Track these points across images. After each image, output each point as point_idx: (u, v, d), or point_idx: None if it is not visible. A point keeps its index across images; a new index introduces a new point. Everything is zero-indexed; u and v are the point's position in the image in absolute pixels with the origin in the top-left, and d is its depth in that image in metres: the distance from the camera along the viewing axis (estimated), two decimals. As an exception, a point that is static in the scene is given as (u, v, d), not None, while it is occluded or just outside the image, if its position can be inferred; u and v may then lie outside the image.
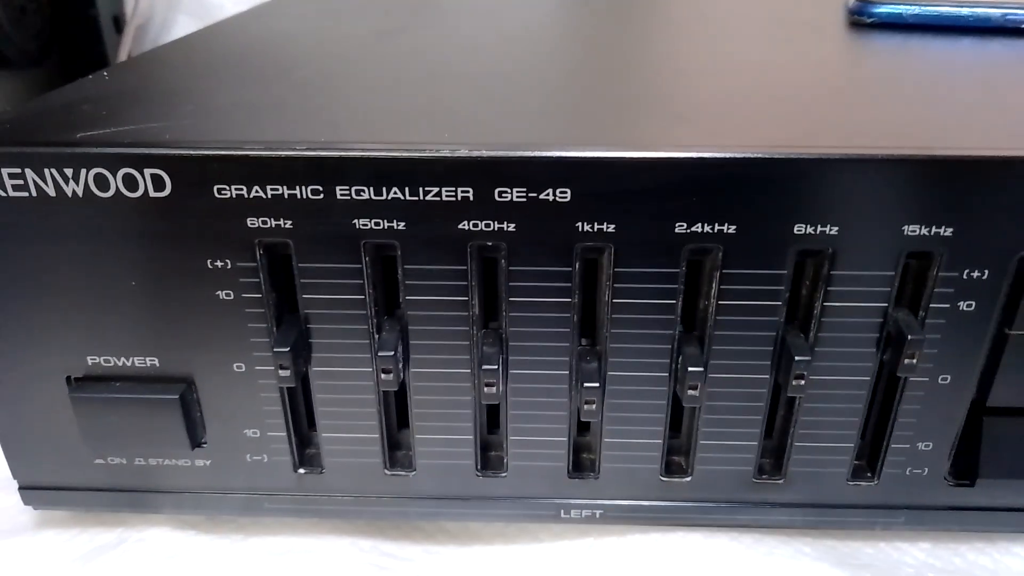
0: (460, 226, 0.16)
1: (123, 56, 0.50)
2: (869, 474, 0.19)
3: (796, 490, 0.19)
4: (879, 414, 0.18)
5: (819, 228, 0.15)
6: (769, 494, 0.19)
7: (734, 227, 0.16)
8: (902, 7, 0.29)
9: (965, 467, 0.18)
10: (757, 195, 0.15)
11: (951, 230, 0.15)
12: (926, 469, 0.18)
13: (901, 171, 0.15)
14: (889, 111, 0.18)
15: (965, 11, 0.28)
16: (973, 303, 0.16)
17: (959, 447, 0.18)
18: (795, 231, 0.15)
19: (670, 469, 0.19)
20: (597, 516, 0.19)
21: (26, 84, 0.48)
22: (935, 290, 0.16)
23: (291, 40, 0.26)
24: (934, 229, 0.15)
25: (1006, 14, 0.28)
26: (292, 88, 0.20)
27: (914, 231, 0.16)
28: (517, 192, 0.15)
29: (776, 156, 0.15)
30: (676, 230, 0.16)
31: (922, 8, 0.29)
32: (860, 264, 0.16)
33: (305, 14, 0.31)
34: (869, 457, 0.19)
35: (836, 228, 0.15)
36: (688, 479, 0.19)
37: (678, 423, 0.19)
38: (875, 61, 0.25)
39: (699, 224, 0.16)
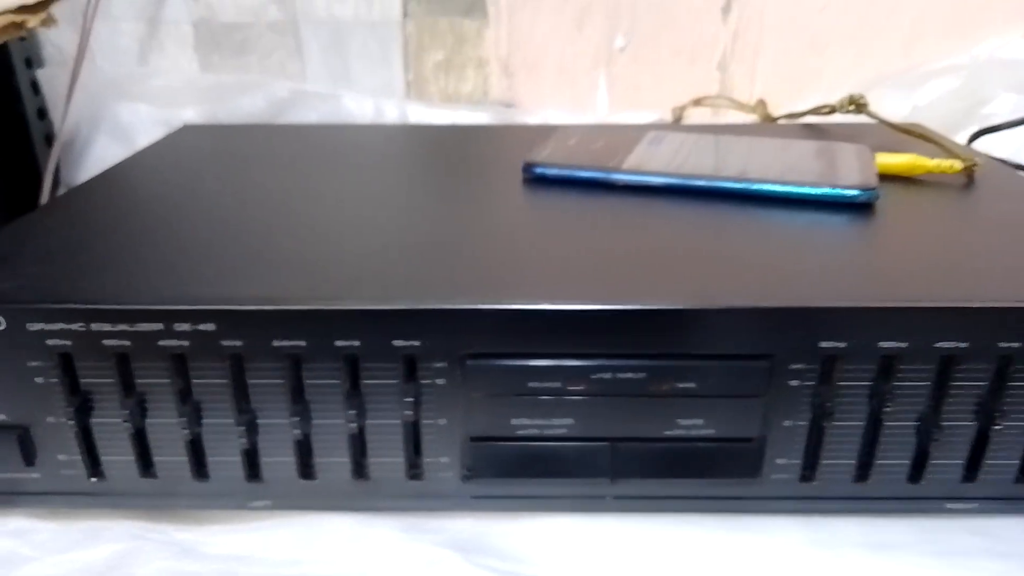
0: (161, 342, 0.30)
1: (51, 166, 0.64)
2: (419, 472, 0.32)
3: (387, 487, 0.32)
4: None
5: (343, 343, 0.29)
6: (368, 490, 0.33)
7: (357, 342, 0.29)
8: (547, 169, 0.44)
9: (472, 471, 0.32)
10: (368, 322, 0.29)
11: (417, 342, 0.29)
12: (451, 472, 0.32)
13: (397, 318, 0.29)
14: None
15: (584, 173, 0.43)
16: (444, 379, 0.30)
17: (468, 459, 0.32)
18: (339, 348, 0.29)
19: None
20: (269, 504, 0.33)
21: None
22: (420, 373, 0.30)
23: (150, 200, 0.40)
24: (408, 342, 0.29)
25: (610, 175, 0.42)
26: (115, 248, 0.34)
27: (400, 343, 0.29)
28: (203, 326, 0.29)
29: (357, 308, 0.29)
30: (337, 343, 0.29)
31: (559, 171, 0.43)
32: (384, 363, 0.30)
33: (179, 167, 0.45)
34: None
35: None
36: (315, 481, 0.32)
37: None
38: (506, 209, 0.39)
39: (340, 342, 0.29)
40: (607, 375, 0.30)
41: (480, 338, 0.30)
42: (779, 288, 0.30)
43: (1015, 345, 0.29)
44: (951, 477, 0.32)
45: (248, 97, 0.66)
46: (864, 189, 0.39)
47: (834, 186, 0.39)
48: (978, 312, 0.29)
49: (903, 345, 0.29)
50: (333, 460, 0.32)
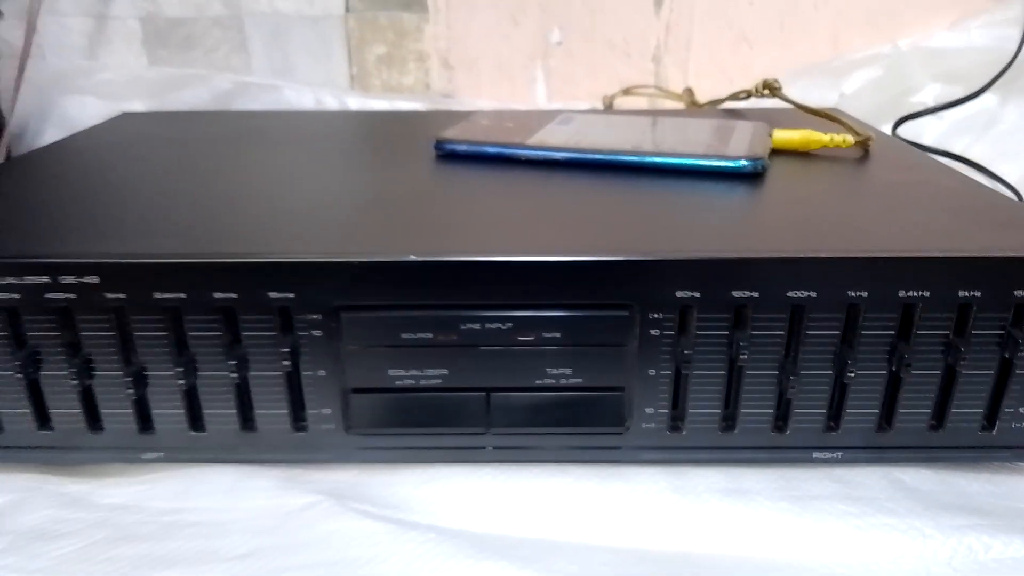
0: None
1: (1, 156, 0.66)
2: (304, 424, 0.34)
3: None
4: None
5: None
6: (255, 442, 0.34)
7: (234, 294, 0.31)
8: (457, 146, 0.45)
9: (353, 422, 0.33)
10: (243, 275, 0.30)
11: (292, 295, 0.31)
12: (334, 424, 0.33)
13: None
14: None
15: (490, 149, 0.44)
16: (320, 331, 0.31)
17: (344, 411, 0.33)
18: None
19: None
20: (162, 456, 0.34)
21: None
22: (296, 325, 0.31)
23: (76, 172, 0.42)
24: (283, 294, 0.31)
25: (514, 150, 0.44)
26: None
27: (275, 295, 0.31)
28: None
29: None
30: (215, 295, 0.31)
31: (469, 147, 0.45)
32: (260, 315, 0.31)
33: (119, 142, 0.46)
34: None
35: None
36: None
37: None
38: (418, 180, 0.41)
39: (218, 294, 0.31)
40: (476, 325, 0.31)
41: (353, 290, 0.31)
42: (640, 241, 0.32)
43: (863, 294, 0.31)
44: (814, 426, 0.33)
45: (192, 89, 0.68)
46: (751, 159, 0.40)
47: (722, 157, 0.41)
48: (826, 262, 0.31)
49: (755, 295, 0.31)
50: (221, 412, 0.33)
